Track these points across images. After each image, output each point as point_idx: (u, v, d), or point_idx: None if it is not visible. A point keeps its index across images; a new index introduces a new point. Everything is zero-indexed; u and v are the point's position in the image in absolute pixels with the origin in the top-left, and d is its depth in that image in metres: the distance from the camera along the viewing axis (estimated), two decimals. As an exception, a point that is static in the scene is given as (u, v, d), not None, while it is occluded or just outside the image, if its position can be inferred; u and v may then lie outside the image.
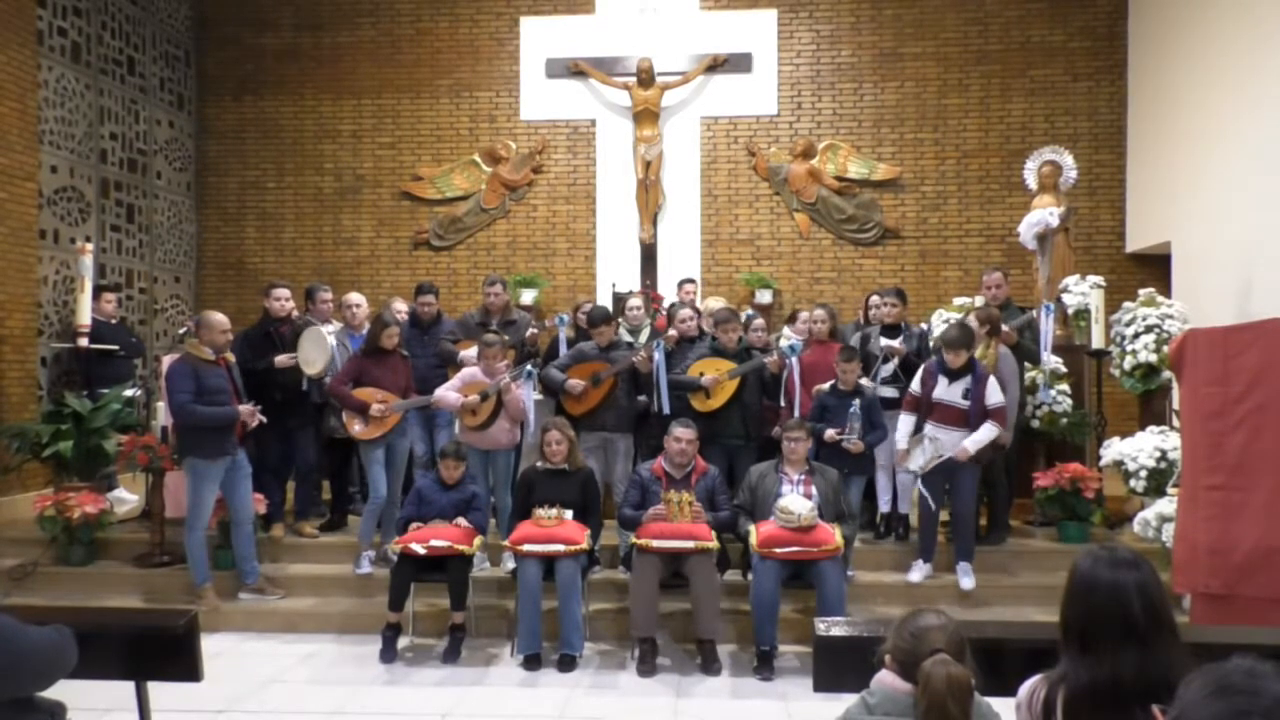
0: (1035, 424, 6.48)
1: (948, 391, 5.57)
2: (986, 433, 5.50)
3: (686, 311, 6.63)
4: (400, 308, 7.04)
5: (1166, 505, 5.38)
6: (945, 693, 1.99)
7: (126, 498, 7.20)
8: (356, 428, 5.83)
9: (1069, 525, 6.20)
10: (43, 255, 7.92)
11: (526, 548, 5.05)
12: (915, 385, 5.72)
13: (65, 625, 2.77)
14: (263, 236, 10.31)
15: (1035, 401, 6.45)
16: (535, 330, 7.06)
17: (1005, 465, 6.17)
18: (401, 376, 6.02)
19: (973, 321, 5.99)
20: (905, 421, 5.67)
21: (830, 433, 5.68)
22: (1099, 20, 9.63)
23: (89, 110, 8.63)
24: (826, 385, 5.91)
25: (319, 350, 6.23)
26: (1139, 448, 6.08)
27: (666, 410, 5.87)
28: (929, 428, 5.56)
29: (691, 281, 8.35)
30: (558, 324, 6.97)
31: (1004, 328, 6.10)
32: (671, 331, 6.47)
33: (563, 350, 6.66)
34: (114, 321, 7.77)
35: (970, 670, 2.07)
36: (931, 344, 6.29)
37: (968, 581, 5.64)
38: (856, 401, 5.73)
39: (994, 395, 5.54)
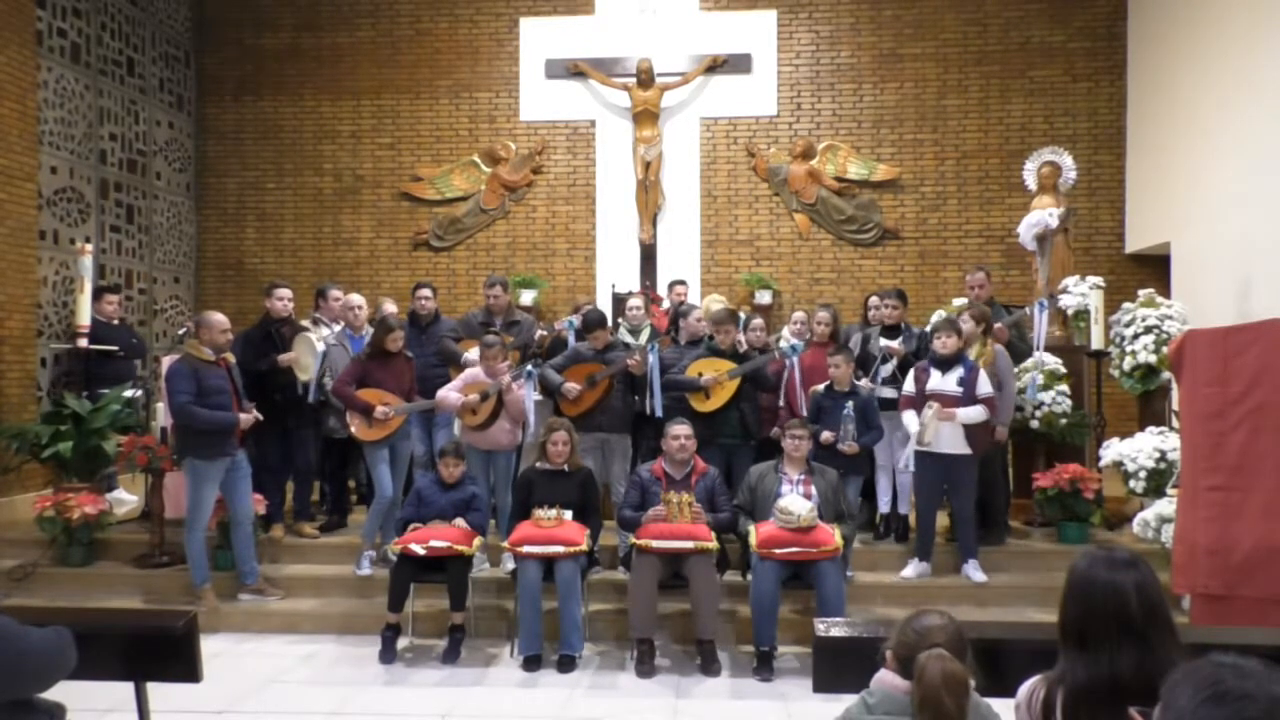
0: (1035, 424, 6.48)
1: (941, 382, 5.64)
2: (977, 412, 5.56)
3: (698, 313, 6.64)
4: (391, 308, 7.03)
5: (1166, 506, 5.38)
6: (939, 685, 2.00)
7: (126, 498, 7.19)
8: (355, 427, 5.83)
9: (1068, 526, 6.20)
10: (42, 256, 7.92)
11: (526, 549, 5.05)
12: (909, 386, 5.78)
13: (64, 626, 2.77)
14: (262, 237, 10.31)
15: (1022, 401, 6.44)
16: (544, 332, 7.07)
17: (1004, 466, 6.18)
18: (405, 378, 6.02)
19: (967, 320, 6.01)
20: (909, 417, 5.71)
21: (826, 435, 5.69)
22: (1099, 21, 9.63)
23: (89, 111, 8.63)
24: (821, 386, 5.93)
25: (310, 356, 6.24)
26: (1138, 448, 6.09)
27: (659, 414, 5.87)
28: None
29: (683, 283, 8.35)
30: (566, 328, 6.98)
31: (997, 325, 6.14)
32: (666, 335, 6.47)
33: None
34: (115, 322, 7.76)
35: (970, 670, 2.07)
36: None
37: (979, 575, 5.69)
38: (850, 403, 5.74)
39: (984, 386, 5.63)
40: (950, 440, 5.58)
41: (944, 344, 5.66)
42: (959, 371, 5.62)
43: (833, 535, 4.96)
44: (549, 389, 6.19)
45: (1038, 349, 6.37)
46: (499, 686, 4.80)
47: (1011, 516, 6.47)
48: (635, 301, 7.01)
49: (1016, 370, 6.37)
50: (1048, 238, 7.33)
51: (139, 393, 7.18)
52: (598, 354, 6.21)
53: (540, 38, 10.00)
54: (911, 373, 5.81)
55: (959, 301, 7.72)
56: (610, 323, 6.82)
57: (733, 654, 5.21)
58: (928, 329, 6.20)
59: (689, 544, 4.97)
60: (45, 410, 7.30)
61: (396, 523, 5.59)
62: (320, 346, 6.28)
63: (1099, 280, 7.07)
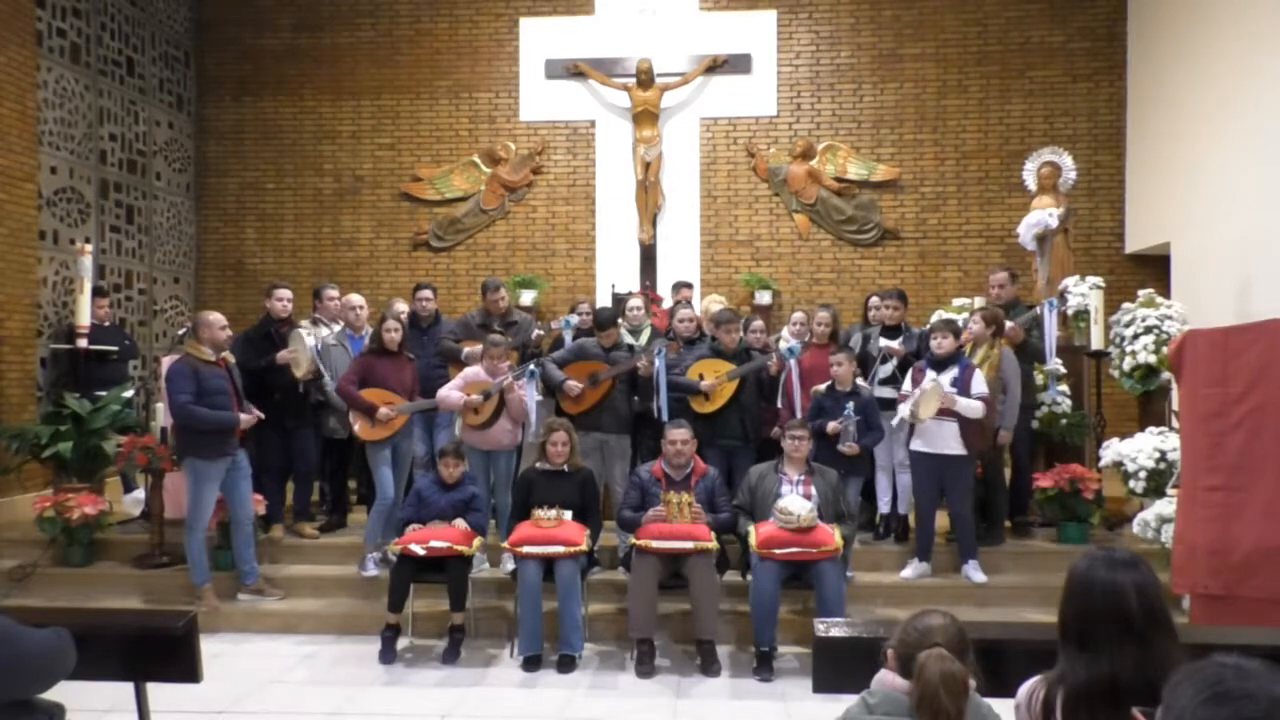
0: (1035, 425, 6.48)
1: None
2: (978, 406, 5.55)
3: (687, 312, 6.65)
4: (402, 308, 7.04)
5: (1166, 506, 5.38)
6: (938, 683, 2.00)
7: (143, 499, 7.16)
8: (358, 426, 5.83)
9: (1069, 526, 6.20)
10: (42, 256, 7.92)
11: (526, 549, 5.05)
12: (906, 385, 5.80)
13: (64, 627, 2.77)
14: (262, 237, 10.31)
15: (1047, 400, 6.43)
16: (541, 333, 7.08)
17: (1011, 466, 6.18)
18: (408, 377, 6.02)
19: (978, 320, 6.00)
20: (905, 406, 5.70)
21: (832, 425, 5.68)
22: (1098, 21, 9.63)
23: (88, 111, 8.63)
24: (823, 386, 5.92)
25: (303, 350, 6.24)
26: (1138, 449, 6.08)
27: (666, 417, 5.86)
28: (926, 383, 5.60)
29: (689, 286, 8.35)
30: (563, 326, 6.98)
31: (1010, 324, 6.11)
32: (673, 340, 6.47)
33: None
34: (106, 324, 7.74)
35: (970, 669, 2.07)
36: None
37: (979, 576, 5.69)
38: (851, 405, 5.74)
39: (979, 385, 5.61)
40: (946, 440, 5.58)
41: (940, 344, 5.67)
42: (954, 371, 5.63)
43: (833, 535, 4.96)
44: (550, 386, 6.18)
45: (1048, 350, 6.34)
46: (499, 686, 4.80)
47: (1011, 517, 6.47)
48: (635, 301, 7.01)
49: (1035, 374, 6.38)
50: (1047, 238, 7.34)
51: (133, 393, 7.18)
52: (603, 352, 6.21)
53: (540, 38, 10.00)
54: (910, 373, 5.83)
55: (959, 301, 7.73)
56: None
57: (733, 654, 5.22)
58: (927, 329, 6.19)
59: (689, 544, 4.97)
60: (45, 410, 7.30)
61: (396, 523, 5.59)
62: (310, 340, 6.28)
63: (1099, 280, 7.06)
